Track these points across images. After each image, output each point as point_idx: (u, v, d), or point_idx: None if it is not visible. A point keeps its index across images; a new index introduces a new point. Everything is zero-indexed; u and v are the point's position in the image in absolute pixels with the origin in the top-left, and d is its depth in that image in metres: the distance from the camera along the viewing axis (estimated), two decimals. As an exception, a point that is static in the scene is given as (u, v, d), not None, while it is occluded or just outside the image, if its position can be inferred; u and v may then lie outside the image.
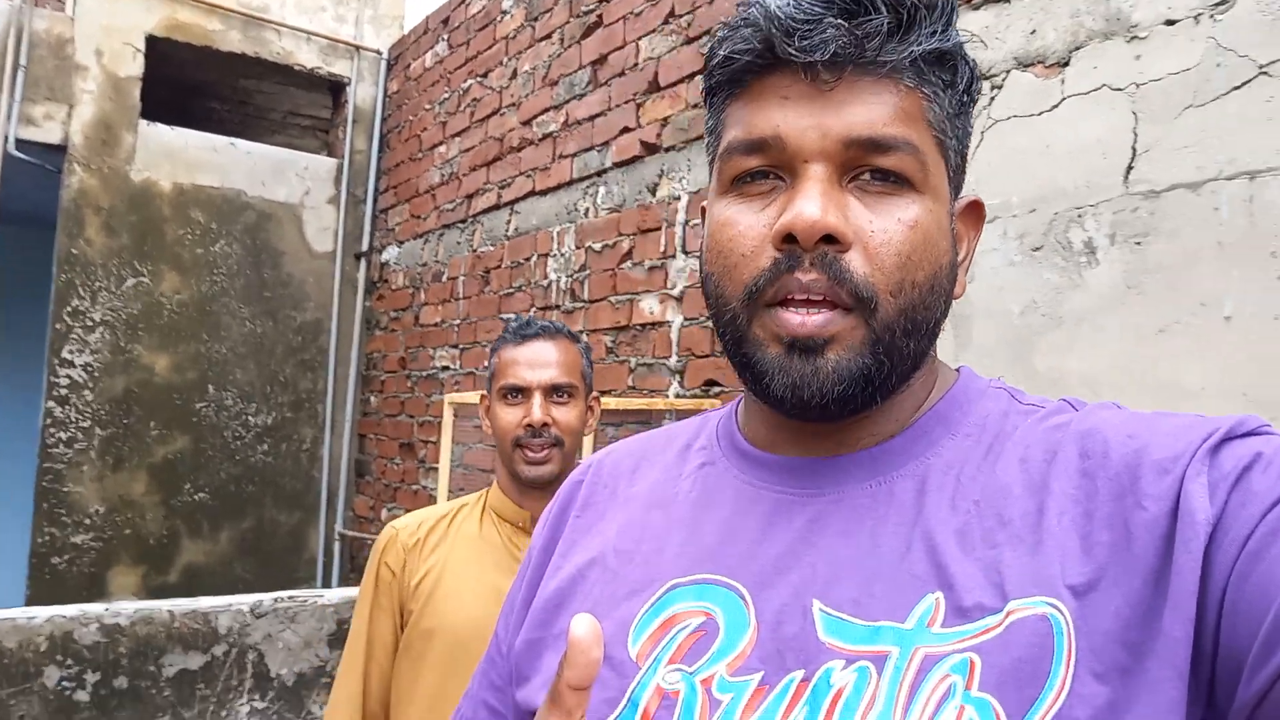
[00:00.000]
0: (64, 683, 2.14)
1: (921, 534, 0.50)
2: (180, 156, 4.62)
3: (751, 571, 0.53)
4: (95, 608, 2.21)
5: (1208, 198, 1.52)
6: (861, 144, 0.50)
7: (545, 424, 1.40)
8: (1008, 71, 1.84)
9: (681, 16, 3.02)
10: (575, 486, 0.68)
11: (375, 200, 5.20)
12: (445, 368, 4.31)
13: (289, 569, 4.81)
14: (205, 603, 2.35)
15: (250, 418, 4.77)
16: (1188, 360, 1.52)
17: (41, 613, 2.15)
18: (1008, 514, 0.49)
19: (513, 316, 3.87)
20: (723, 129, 0.56)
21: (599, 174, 3.38)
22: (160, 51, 4.65)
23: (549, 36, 3.76)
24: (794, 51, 0.50)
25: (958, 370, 0.60)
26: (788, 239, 0.50)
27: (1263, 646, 0.41)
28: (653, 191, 3.10)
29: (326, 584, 4.87)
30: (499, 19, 4.16)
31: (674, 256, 2.96)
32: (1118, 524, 0.46)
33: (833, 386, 0.51)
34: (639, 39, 3.22)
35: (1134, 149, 1.62)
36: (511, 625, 0.64)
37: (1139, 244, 1.60)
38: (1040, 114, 1.77)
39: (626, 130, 3.24)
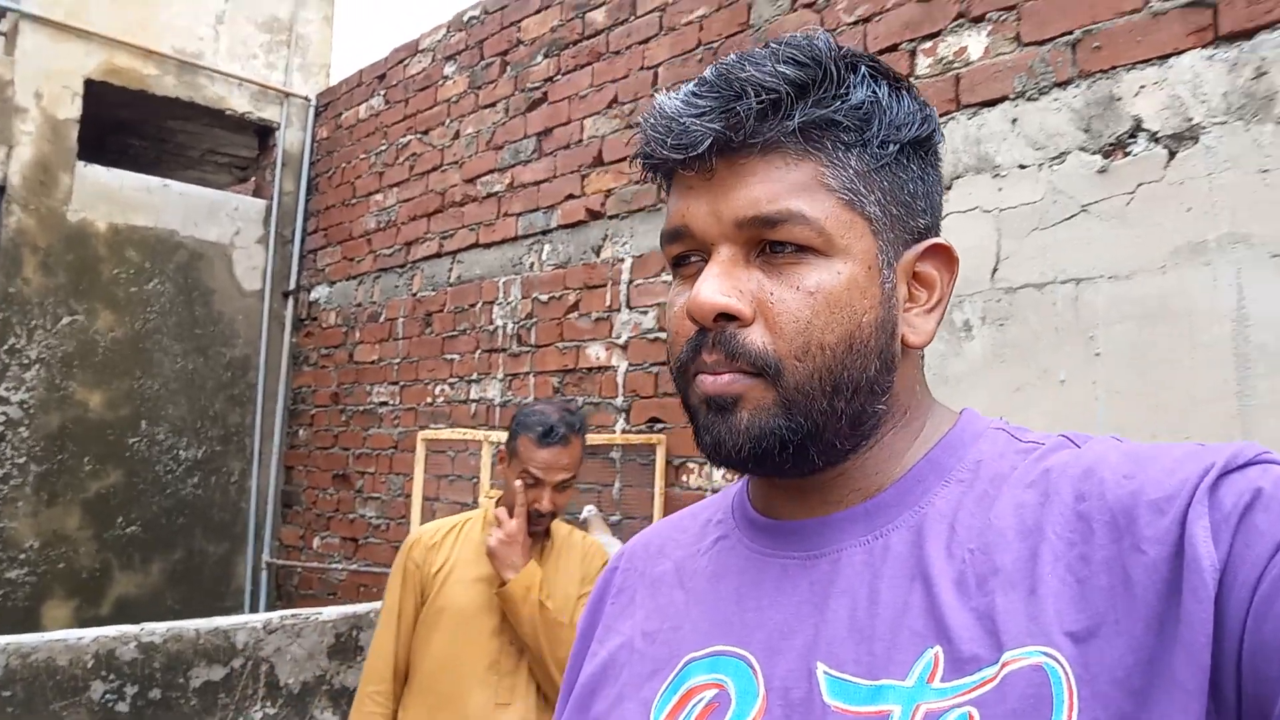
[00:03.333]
0: (107, 695, 2.40)
1: (919, 587, 0.51)
2: (116, 197, 4.76)
3: (759, 639, 0.55)
4: (132, 628, 2.48)
5: (1048, 295, 2.14)
6: (749, 222, 0.53)
7: (548, 512, 1.87)
8: (906, 189, 2.43)
9: (624, 104, 3.52)
10: (611, 574, 0.71)
11: (303, 241, 5.44)
12: (384, 403, 4.62)
13: (217, 598, 4.95)
14: (224, 621, 2.64)
15: (181, 452, 4.92)
16: (1034, 413, 2.12)
17: (88, 633, 2.40)
18: (1001, 560, 0.49)
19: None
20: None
21: (544, 233, 3.83)
22: (96, 94, 4.78)
23: (493, 105, 4.19)
24: (668, 152, 0.54)
25: (960, 413, 0.61)
26: (695, 319, 0.54)
27: None
28: (597, 252, 3.58)
29: (254, 611, 5.03)
30: (440, 82, 4.54)
31: (619, 310, 3.44)
32: (1115, 568, 0.46)
33: (744, 443, 0.53)
34: (584, 118, 3.70)
35: (997, 256, 2.23)
36: (559, 711, 0.68)
37: (1001, 325, 2.21)
38: (930, 224, 2.37)
39: (572, 196, 3.71)
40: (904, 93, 0.57)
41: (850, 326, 0.54)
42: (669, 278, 3.03)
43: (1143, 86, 2.04)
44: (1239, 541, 0.43)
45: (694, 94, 0.54)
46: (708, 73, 0.55)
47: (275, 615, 2.75)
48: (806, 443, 0.54)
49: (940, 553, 0.51)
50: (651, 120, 0.56)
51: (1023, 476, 0.53)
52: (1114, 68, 2.09)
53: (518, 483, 1.85)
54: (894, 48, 2.53)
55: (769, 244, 0.54)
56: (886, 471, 0.57)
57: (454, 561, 1.90)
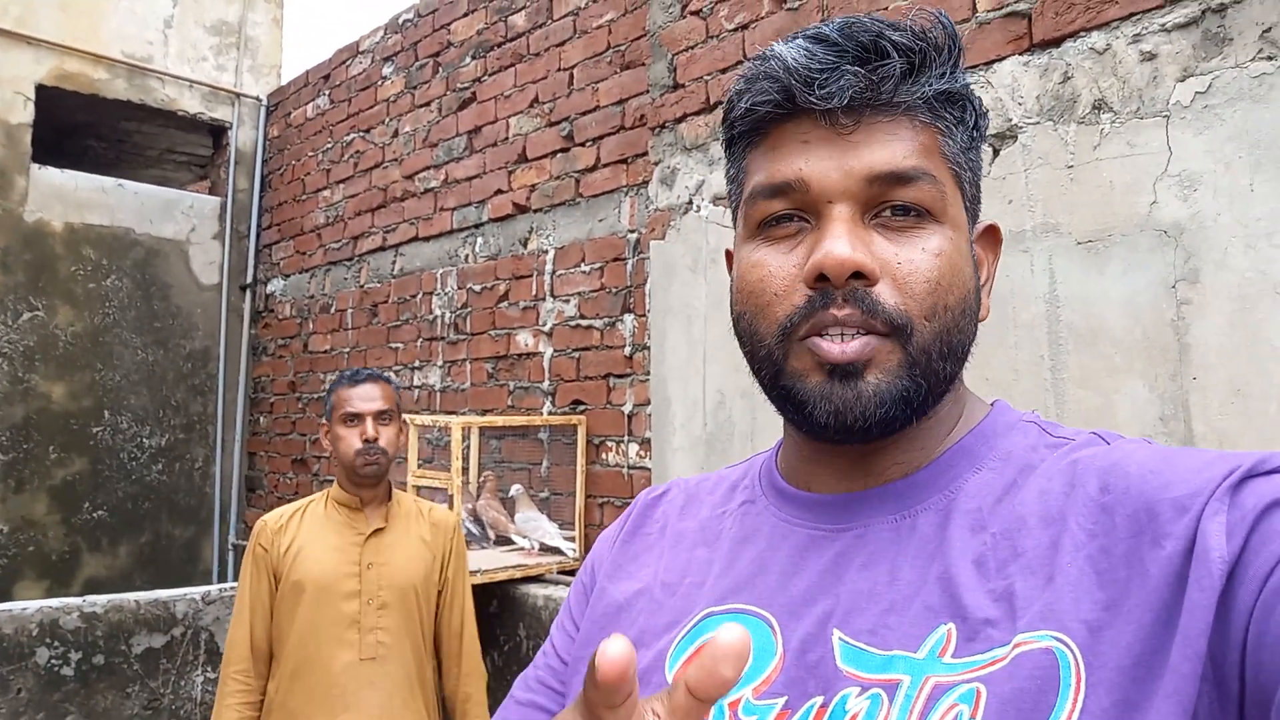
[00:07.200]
0: (52, 661, 2.61)
1: (939, 567, 0.52)
2: (71, 197, 4.92)
3: (780, 603, 0.56)
4: (74, 599, 2.69)
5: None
6: (883, 179, 0.53)
7: (375, 439, 2.07)
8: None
9: (544, 104, 3.71)
10: (626, 517, 0.72)
11: (258, 236, 5.62)
12: (336, 390, 4.83)
13: (185, 579, 5.16)
14: (164, 593, 2.85)
15: (145, 440, 5.11)
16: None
17: (31, 604, 2.61)
18: (1023, 546, 0.50)
19: (400, 345, 4.44)
20: (745, 177, 0.59)
21: (476, 226, 4.03)
22: (48, 99, 4.94)
23: (427, 104, 4.37)
24: (814, 100, 0.53)
25: (991, 404, 0.61)
26: (820, 278, 0.53)
27: None
28: (524, 244, 3.78)
29: (221, 592, 5.25)
30: (379, 82, 4.72)
31: (544, 299, 3.64)
32: (1135, 561, 0.46)
33: (875, 409, 0.53)
34: (509, 117, 3.89)
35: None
36: (562, 633, 0.69)
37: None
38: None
39: (500, 192, 3.90)
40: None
41: (964, 291, 0.56)
42: (587, 268, 3.23)
43: (971, 90, 2.25)
44: (1255, 538, 0.44)
45: (823, 49, 0.54)
46: (829, 30, 0.55)
47: (214, 588, 2.96)
48: (920, 402, 0.55)
49: (964, 535, 0.53)
50: (780, 67, 0.55)
51: (1050, 468, 0.54)
52: (949, 72, 2.29)
53: (343, 432, 2.07)
54: (771, 52, 2.73)
55: (888, 206, 0.54)
56: (928, 448, 0.58)
57: (302, 539, 2.08)
